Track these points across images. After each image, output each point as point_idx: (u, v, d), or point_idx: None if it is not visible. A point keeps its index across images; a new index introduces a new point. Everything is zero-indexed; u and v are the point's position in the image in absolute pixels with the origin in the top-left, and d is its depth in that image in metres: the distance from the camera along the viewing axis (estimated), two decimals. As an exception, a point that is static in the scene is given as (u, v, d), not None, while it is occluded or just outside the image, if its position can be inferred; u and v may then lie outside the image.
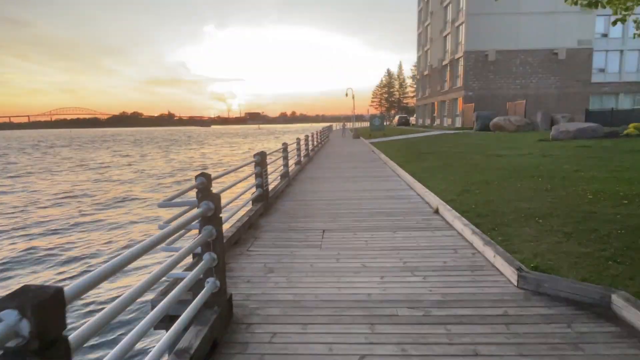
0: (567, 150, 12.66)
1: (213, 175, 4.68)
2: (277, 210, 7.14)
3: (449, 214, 5.96)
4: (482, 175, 9.14)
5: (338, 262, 4.39)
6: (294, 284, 3.83)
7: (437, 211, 6.57)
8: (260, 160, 6.86)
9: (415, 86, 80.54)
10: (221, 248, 3.11)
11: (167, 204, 3.13)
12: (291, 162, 12.04)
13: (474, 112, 31.78)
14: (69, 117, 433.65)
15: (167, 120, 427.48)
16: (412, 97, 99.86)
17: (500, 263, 3.99)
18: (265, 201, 7.03)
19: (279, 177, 9.75)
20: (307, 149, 16.00)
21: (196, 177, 3.95)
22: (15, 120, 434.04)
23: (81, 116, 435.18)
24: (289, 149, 11.07)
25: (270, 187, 8.44)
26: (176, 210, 3.57)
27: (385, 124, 45.88)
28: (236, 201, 5.74)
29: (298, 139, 13.24)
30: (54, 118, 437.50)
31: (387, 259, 4.42)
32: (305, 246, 4.99)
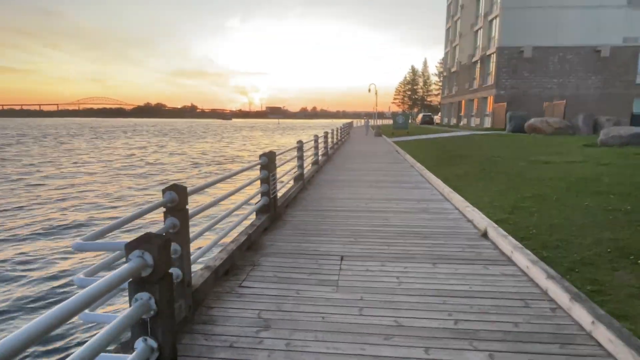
0: (626, 158, 11.00)
1: (208, 180, 3.54)
2: (286, 223, 5.91)
3: (504, 241, 4.61)
4: (532, 186, 7.70)
5: (361, 315, 3.13)
6: (296, 355, 2.60)
7: (485, 234, 5.23)
8: (268, 162, 5.65)
9: (440, 84, 78.08)
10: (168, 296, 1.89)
11: (86, 245, 1.91)
12: (308, 161, 10.81)
13: (507, 112, 29.81)
14: (95, 107, 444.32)
15: (189, 112, 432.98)
16: (437, 95, 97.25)
17: (604, 336, 2.66)
18: (273, 212, 5.82)
19: (292, 180, 8.53)
20: (325, 147, 14.75)
21: (164, 190, 2.77)
22: (45, 108, 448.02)
23: (107, 106, 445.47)
24: (306, 147, 9.84)
25: (282, 191, 7.24)
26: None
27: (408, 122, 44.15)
28: (238, 212, 4.56)
29: (316, 137, 12.00)
30: (81, 107, 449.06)
31: (430, 313, 3.14)
32: (317, 283, 3.74)
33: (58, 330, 4.78)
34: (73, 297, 1.46)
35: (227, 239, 4.39)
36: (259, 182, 5.71)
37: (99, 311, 2.10)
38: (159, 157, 28.29)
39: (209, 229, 3.56)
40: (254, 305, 3.28)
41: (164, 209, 2.84)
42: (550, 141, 18.31)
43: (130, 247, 1.59)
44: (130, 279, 1.64)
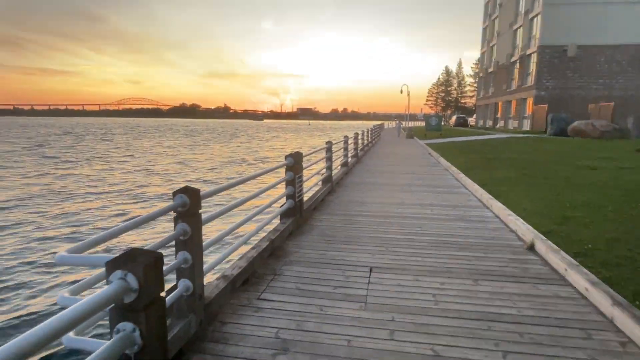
0: (687, 165, 9.99)
1: (229, 181, 3.28)
2: (313, 228, 5.58)
3: (556, 256, 4.08)
4: (582, 194, 7.02)
5: (392, 339, 2.75)
6: (317, 388, 2.25)
7: (532, 247, 4.70)
8: (294, 163, 5.33)
9: (475, 85, 75.80)
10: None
11: (70, 259, 1.62)
12: (337, 163, 10.45)
13: (547, 114, 28.31)
14: (134, 107, 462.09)
15: (222, 112, 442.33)
16: (471, 96, 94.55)
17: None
18: (298, 215, 5.50)
19: (320, 182, 8.19)
20: (355, 149, 14.34)
21: (175, 193, 2.49)
22: (87, 108, 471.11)
23: (145, 106, 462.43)
24: (335, 148, 9.49)
25: (309, 194, 6.92)
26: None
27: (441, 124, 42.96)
28: (260, 215, 4.27)
29: (346, 137, 11.62)
30: (121, 107, 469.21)
31: (473, 342, 2.71)
32: (343, 298, 3.38)
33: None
34: (42, 324, 1.18)
35: (247, 247, 4.10)
36: (283, 184, 5.41)
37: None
38: (190, 157, 28.72)
39: (226, 235, 3.26)
40: (272, 322, 2.95)
41: (175, 214, 2.57)
42: (598, 145, 17.12)
43: (110, 266, 1.30)
44: (112, 305, 1.34)
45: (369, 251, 4.61)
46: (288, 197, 5.33)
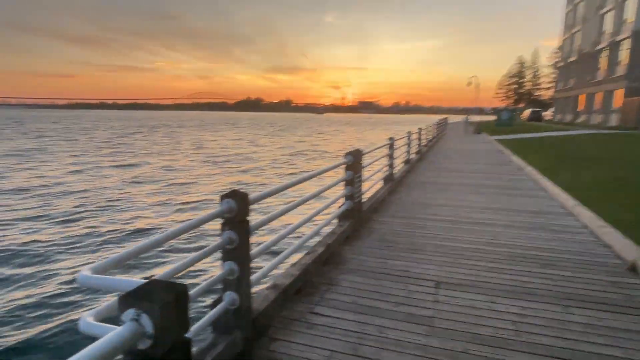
0: None
1: (284, 182, 3.02)
2: (372, 232, 5.20)
3: (671, 283, 3.35)
4: (696, 204, 5.91)
5: (465, 377, 2.32)
6: None
7: (634, 268, 3.95)
8: (353, 161, 4.98)
9: (553, 76, 69.79)
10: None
11: (94, 280, 1.40)
12: (398, 160, 9.91)
13: (640, 107, 25.14)
14: (203, 101, 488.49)
15: (284, 106, 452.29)
16: (548, 88, 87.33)
17: None
18: (357, 218, 5.15)
19: (382, 181, 7.76)
20: (419, 145, 13.63)
21: (222, 198, 2.26)
22: (161, 102, 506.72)
23: (213, 100, 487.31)
24: (397, 144, 8.97)
25: (368, 193, 6.53)
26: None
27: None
28: (315, 218, 3.99)
29: (409, 133, 11.01)
30: (192, 101, 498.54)
31: (570, 391, 2.20)
32: (406, 318, 2.98)
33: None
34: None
35: (297, 255, 3.83)
36: (336, 184, 5.07)
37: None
38: (252, 149, 29.43)
39: (277, 242, 3.01)
40: (325, 343, 2.65)
41: (222, 220, 2.34)
42: None
43: (123, 302, 1.06)
44: (121, 355, 1.09)
45: (435, 262, 4.15)
46: (346, 197, 5.00)
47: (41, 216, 10.02)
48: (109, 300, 1.44)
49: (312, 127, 69.99)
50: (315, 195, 3.90)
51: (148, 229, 9.09)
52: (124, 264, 1.62)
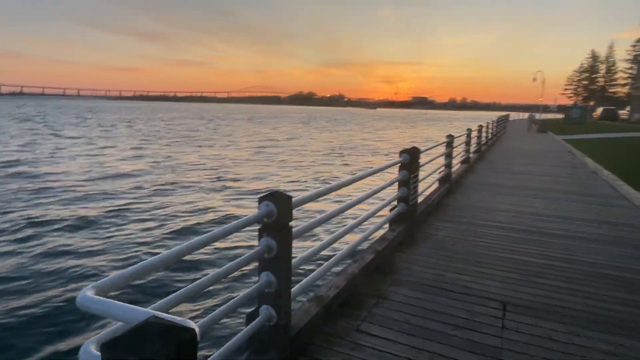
0: None
1: (333, 183, 2.70)
2: (427, 238, 4.74)
3: None
4: None
5: None
6: None
7: None
8: (409, 160, 4.54)
9: (631, 71, 63.70)
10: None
11: (95, 304, 1.17)
12: (454, 161, 9.25)
13: None
14: (257, 95, 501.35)
15: (336, 100, 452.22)
16: (624, 85, 79.83)
17: None
18: (411, 222, 4.73)
19: (437, 182, 7.21)
20: (478, 143, 12.75)
21: (260, 200, 1.98)
22: (218, 95, 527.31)
23: (266, 94, 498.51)
24: (455, 142, 8.33)
25: (423, 195, 6.04)
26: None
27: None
28: (364, 223, 3.64)
29: (469, 130, 10.25)
30: (246, 95, 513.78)
31: None
32: (467, 347, 2.56)
33: None
34: None
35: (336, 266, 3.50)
36: (389, 185, 4.65)
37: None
38: (301, 143, 29.45)
39: (322, 249, 2.70)
40: (372, 370, 2.31)
41: (260, 226, 2.07)
42: None
43: (105, 351, 0.79)
44: None
45: (500, 278, 3.64)
46: (400, 200, 4.59)
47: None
48: (115, 325, 1.19)
49: (363, 123, 69.15)
50: (369, 197, 3.54)
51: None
52: (145, 277, 1.38)
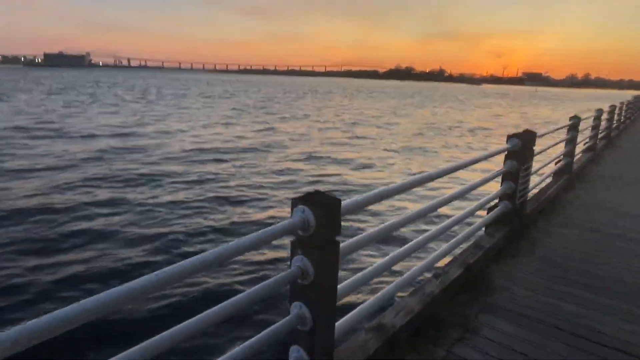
0: None
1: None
2: (536, 245, 3.73)
3: None
4: None
5: None
6: None
7: None
8: (521, 147, 3.53)
9: None
10: None
11: None
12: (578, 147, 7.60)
13: None
14: (354, 69, 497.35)
15: (436, 75, 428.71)
16: None
17: None
18: (517, 223, 3.76)
19: (552, 175, 5.90)
20: (608, 127, 10.53)
21: (294, 203, 1.36)
22: (316, 69, 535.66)
23: (363, 69, 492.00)
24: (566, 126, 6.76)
25: (533, 190, 4.90)
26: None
27: None
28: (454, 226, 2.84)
29: (599, 111, 8.35)
30: (343, 69, 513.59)
31: None
32: None
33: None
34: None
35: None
36: (490, 180, 3.69)
37: None
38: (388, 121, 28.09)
39: (383, 270, 2.00)
40: None
41: (293, 238, 1.47)
42: None
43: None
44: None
45: (636, 316, 2.60)
46: (503, 197, 3.63)
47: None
48: None
49: (463, 100, 64.19)
50: (461, 195, 2.73)
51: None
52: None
